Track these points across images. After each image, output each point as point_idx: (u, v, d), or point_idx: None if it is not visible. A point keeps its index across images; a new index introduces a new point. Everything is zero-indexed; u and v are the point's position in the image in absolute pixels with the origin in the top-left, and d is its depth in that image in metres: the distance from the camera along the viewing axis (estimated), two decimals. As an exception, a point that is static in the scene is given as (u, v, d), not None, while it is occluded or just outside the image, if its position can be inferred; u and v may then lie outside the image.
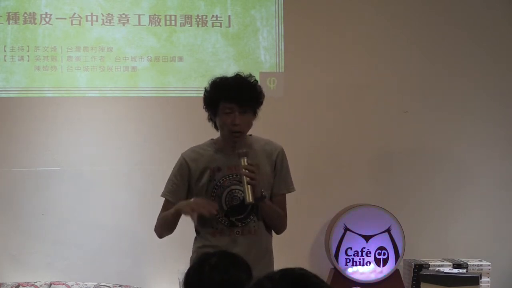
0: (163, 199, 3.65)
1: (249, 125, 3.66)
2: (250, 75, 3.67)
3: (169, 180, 3.77)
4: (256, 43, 5.37)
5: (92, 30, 5.23)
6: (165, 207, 3.75)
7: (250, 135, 3.75)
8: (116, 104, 5.24)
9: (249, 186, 3.53)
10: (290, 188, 3.78)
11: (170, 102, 5.29)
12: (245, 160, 3.57)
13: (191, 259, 3.68)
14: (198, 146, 3.76)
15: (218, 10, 5.34)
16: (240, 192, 3.63)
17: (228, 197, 3.66)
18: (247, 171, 3.54)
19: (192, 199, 3.67)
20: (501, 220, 5.60)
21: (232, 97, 3.58)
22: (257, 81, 3.68)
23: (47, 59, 5.17)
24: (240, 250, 3.48)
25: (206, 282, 2.57)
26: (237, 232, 3.66)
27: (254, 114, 3.66)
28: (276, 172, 3.72)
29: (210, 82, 3.67)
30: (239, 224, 3.67)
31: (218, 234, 3.67)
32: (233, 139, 3.63)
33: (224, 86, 3.62)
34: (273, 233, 3.81)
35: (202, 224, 3.71)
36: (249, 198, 3.54)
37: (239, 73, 3.67)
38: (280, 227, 3.77)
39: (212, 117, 3.68)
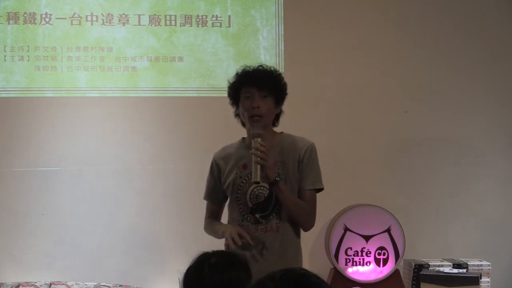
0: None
1: (270, 111, 3.65)
2: (274, 67, 3.74)
3: (206, 182, 3.84)
4: (256, 43, 5.37)
5: (92, 30, 5.23)
6: (207, 208, 3.85)
7: (282, 132, 3.76)
8: (116, 104, 5.24)
9: (258, 165, 3.51)
10: (316, 184, 3.73)
11: (170, 102, 5.29)
12: (258, 140, 3.54)
13: None
14: (229, 145, 3.80)
15: (218, 10, 5.34)
16: (265, 189, 3.63)
17: (253, 194, 3.65)
18: (258, 151, 3.51)
19: (233, 230, 3.60)
20: (501, 220, 5.60)
21: (251, 81, 3.63)
22: (280, 72, 3.74)
23: (47, 59, 5.17)
24: (261, 246, 3.57)
25: (206, 282, 2.57)
26: (261, 229, 3.66)
27: (277, 103, 3.67)
28: (302, 167, 3.70)
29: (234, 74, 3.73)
30: (263, 221, 3.66)
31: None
32: (252, 123, 3.62)
33: (245, 73, 3.70)
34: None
35: (230, 222, 3.74)
36: (257, 176, 3.51)
37: (262, 64, 3.73)
38: (304, 222, 3.71)
39: (236, 109, 3.70)
